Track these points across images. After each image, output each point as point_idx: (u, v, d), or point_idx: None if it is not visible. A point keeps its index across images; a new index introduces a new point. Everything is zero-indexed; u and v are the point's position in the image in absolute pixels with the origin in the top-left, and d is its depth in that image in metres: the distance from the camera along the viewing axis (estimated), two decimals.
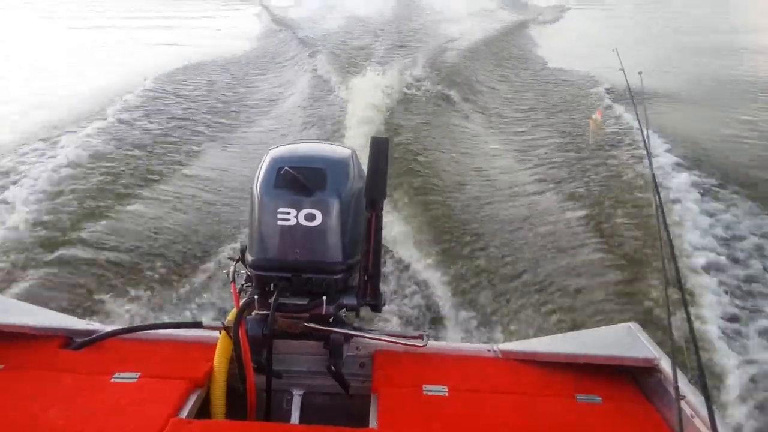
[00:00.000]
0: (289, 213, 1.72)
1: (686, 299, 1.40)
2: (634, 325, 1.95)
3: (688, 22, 19.30)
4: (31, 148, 7.26)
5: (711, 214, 5.64)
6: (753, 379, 3.51)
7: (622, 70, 3.00)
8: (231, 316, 1.73)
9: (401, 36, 16.28)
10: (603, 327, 2.73)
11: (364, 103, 8.60)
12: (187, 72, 12.07)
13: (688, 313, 1.33)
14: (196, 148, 7.70)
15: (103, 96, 9.68)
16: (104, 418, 1.48)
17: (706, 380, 1.25)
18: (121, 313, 4.09)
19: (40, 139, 7.56)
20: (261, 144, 7.79)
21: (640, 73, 2.89)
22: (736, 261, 4.90)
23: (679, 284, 1.43)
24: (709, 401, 1.21)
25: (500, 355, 1.86)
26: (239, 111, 9.81)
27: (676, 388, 1.22)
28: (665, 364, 1.69)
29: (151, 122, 8.63)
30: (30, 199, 5.61)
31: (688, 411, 1.49)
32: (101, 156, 6.98)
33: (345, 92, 9.68)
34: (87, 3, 20.59)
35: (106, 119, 8.39)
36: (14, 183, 6.14)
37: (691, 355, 1.29)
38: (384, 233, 1.77)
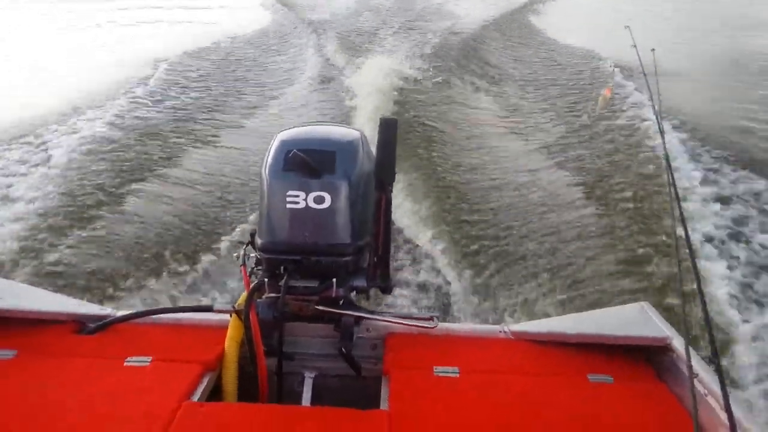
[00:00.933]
0: (298, 196, 1.72)
1: (699, 278, 1.39)
2: (646, 305, 1.94)
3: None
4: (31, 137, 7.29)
5: (720, 196, 5.60)
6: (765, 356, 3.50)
7: (635, 46, 2.96)
8: (241, 299, 1.73)
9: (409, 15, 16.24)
10: (615, 307, 2.72)
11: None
12: (195, 55, 12.05)
13: (701, 293, 1.31)
14: (208, 131, 7.72)
15: (111, 81, 9.70)
16: (117, 402, 1.49)
17: (719, 359, 1.24)
18: (133, 297, 4.12)
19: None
20: (273, 125, 7.84)
21: (653, 50, 2.84)
22: (744, 241, 4.87)
23: (693, 264, 1.41)
24: (722, 379, 1.20)
25: (511, 336, 1.86)
26: (249, 94, 9.82)
27: (690, 367, 1.21)
28: (678, 344, 1.68)
29: (163, 105, 8.68)
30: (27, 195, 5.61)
31: (701, 389, 1.48)
32: (108, 140, 7.01)
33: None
34: None
35: (107, 106, 8.43)
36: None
37: (704, 334, 1.28)
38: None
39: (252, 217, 5.18)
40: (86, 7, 18.07)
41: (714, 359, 1.27)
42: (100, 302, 3.41)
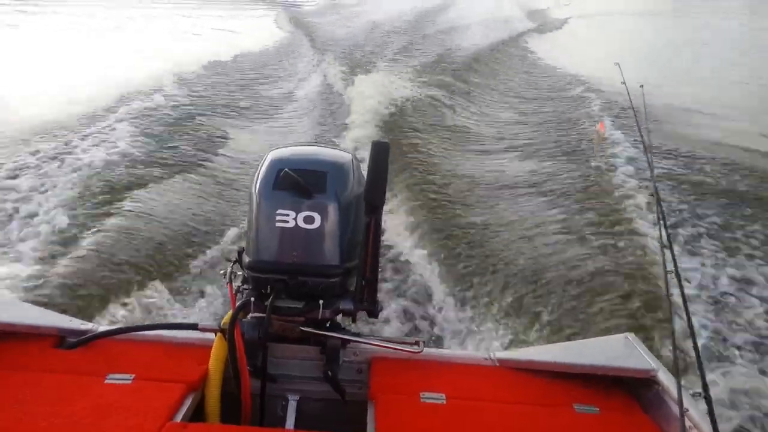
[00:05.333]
0: (287, 215, 1.70)
1: (689, 312, 1.39)
2: (631, 336, 1.94)
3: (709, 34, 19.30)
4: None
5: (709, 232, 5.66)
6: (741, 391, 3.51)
7: (624, 83, 2.99)
8: (227, 318, 1.71)
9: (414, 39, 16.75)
10: (600, 337, 2.71)
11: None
12: (207, 69, 12.48)
13: (691, 327, 1.31)
14: (200, 146, 7.81)
15: (119, 93, 9.91)
16: (98, 421, 1.45)
17: (710, 394, 1.24)
18: (115, 312, 4.06)
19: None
20: (268, 141, 8.02)
21: (641, 86, 2.88)
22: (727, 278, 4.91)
23: (683, 297, 1.41)
24: (713, 416, 1.19)
25: (497, 364, 1.85)
26: (252, 108, 10.03)
27: (680, 401, 1.21)
28: (663, 376, 1.68)
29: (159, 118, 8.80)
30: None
31: (687, 423, 1.47)
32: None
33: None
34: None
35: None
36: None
37: (689, 367, 1.28)
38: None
39: (232, 234, 5.21)
40: (112, 13, 18.43)
41: (705, 393, 1.26)
42: (81, 317, 3.36)
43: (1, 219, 5.42)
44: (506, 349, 3.69)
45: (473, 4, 24.30)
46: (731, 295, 4.61)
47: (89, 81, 10.73)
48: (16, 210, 5.56)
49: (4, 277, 4.38)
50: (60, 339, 1.81)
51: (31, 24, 17.29)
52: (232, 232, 5.27)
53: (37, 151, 7.07)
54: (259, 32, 17.99)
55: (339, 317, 1.82)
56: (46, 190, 5.95)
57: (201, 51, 14.27)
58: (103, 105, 9.27)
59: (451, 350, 3.33)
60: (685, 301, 1.42)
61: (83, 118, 8.59)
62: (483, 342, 4.02)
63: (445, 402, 1.61)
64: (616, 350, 1.91)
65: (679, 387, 1.25)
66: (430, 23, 20.48)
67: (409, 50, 15.63)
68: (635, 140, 7.72)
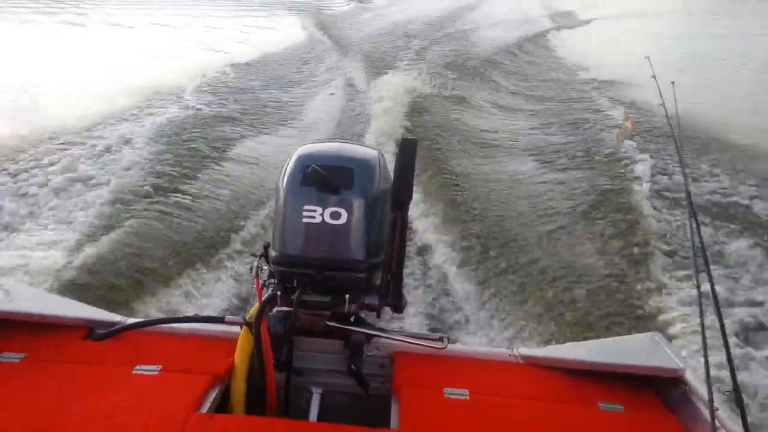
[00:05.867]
0: (314, 210, 1.71)
1: (720, 311, 1.36)
2: (657, 335, 1.91)
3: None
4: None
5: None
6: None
7: (654, 77, 2.95)
8: (253, 311, 1.72)
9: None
10: (625, 336, 2.68)
11: None
12: (237, 69, 12.68)
13: (722, 325, 1.29)
14: (228, 143, 7.92)
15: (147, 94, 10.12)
16: (126, 411, 1.47)
17: (741, 392, 1.21)
18: (143, 305, 4.13)
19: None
20: (296, 137, 8.22)
21: (672, 82, 2.83)
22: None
23: (714, 295, 1.38)
24: (744, 416, 1.17)
25: (521, 361, 1.84)
26: (276, 107, 10.20)
27: (711, 401, 1.19)
28: (690, 376, 1.65)
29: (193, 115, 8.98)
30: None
31: (716, 423, 1.45)
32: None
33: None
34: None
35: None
36: None
37: (710, 367, 1.26)
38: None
39: (258, 229, 5.25)
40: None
41: (735, 393, 1.23)
42: (110, 309, 3.41)
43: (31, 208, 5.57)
44: (529, 346, 3.67)
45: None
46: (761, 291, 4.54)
47: (121, 81, 10.92)
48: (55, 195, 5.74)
49: (38, 264, 4.47)
50: (89, 330, 1.84)
51: (79, 27, 17.97)
52: (258, 227, 5.32)
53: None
54: (287, 35, 18.32)
55: (363, 312, 1.83)
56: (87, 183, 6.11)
57: (231, 53, 14.54)
58: (129, 106, 9.46)
59: (475, 346, 3.33)
60: (716, 300, 1.40)
61: (112, 119, 8.77)
62: (504, 333, 4.01)
63: (468, 398, 1.61)
64: (641, 349, 1.89)
65: (709, 386, 1.23)
66: (457, 22, 20.51)
67: (440, 43, 15.80)
68: (665, 138, 7.63)
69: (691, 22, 22.72)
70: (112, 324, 1.86)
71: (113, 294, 4.18)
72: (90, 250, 4.71)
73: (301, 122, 9.45)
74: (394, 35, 17.77)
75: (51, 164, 6.71)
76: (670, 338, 3.61)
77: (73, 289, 4.14)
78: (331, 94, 11.10)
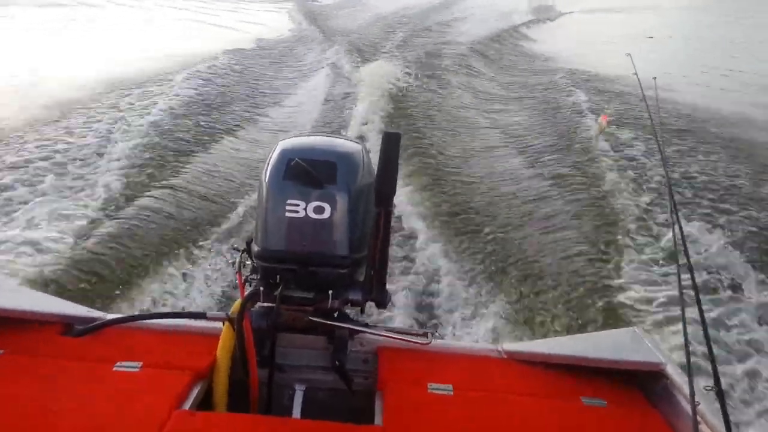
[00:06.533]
0: (297, 205, 1.69)
1: (701, 305, 1.37)
2: (638, 329, 1.94)
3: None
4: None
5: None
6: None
7: (636, 74, 2.97)
8: (235, 307, 1.71)
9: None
10: (607, 330, 2.70)
11: None
12: (220, 60, 12.52)
13: (703, 319, 1.30)
14: (209, 135, 7.85)
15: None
16: (107, 408, 1.46)
17: (722, 386, 1.22)
18: (121, 301, 4.08)
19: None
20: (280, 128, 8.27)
21: (654, 78, 2.84)
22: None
23: (695, 289, 1.39)
24: (725, 410, 1.18)
25: (505, 356, 1.84)
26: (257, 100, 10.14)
27: (692, 395, 1.19)
28: (671, 370, 1.67)
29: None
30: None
31: (698, 417, 1.46)
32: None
33: None
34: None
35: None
36: None
37: (698, 361, 1.26)
38: None
39: (240, 223, 5.24)
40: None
41: (716, 386, 1.24)
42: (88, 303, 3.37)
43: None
44: (513, 341, 3.69)
45: None
46: (741, 287, 4.60)
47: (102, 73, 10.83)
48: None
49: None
50: (67, 326, 1.81)
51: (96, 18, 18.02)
52: (240, 222, 5.28)
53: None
54: (274, 24, 18.39)
55: (347, 307, 1.82)
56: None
57: (218, 43, 14.46)
58: (113, 97, 9.35)
59: (459, 342, 3.34)
60: (697, 294, 1.41)
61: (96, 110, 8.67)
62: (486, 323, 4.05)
63: (452, 393, 1.61)
64: (623, 344, 1.91)
65: (691, 380, 1.24)
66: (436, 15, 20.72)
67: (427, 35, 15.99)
68: (645, 135, 7.71)
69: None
70: (92, 320, 1.83)
71: (89, 291, 4.13)
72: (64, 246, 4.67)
73: (285, 110, 9.54)
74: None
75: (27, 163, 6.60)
76: (650, 333, 3.65)
77: (49, 283, 4.09)
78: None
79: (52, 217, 5.15)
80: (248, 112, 9.21)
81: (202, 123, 8.25)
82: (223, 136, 7.83)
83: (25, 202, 5.46)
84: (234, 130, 8.13)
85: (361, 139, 6.97)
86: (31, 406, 1.44)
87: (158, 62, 11.62)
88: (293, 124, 8.73)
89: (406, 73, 11.26)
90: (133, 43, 14.03)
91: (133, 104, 8.89)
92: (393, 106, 9.18)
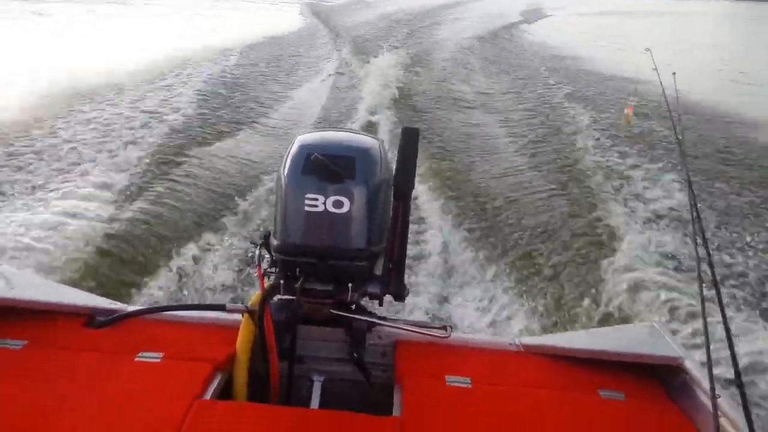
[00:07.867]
0: (316, 199, 1.70)
1: (721, 299, 1.36)
2: (657, 324, 1.93)
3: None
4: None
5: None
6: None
7: (656, 69, 2.94)
8: (254, 299, 1.72)
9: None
10: (626, 324, 2.68)
11: None
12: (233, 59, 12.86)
13: (723, 314, 1.29)
14: (225, 130, 7.94)
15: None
16: (129, 398, 1.48)
17: (742, 380, 1.22)
18: (140, 294, 4.13)
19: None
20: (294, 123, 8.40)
21: (674, 73, 2.82)
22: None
23: (715, 284, 1.38)
24: (746, 403, 1.17)
25: (522, 349, 1.84)
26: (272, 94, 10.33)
27: (713, 389, 1.19)
28: (690, 364, 1.66)
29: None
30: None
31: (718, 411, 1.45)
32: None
33: None
34: None
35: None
36: None
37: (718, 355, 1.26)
38: None
39: (259, 217, 5.27)
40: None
41: (736, 380, 1.23)
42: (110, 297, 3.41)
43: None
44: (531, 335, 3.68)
45: None
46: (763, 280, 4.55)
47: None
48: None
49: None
50: (89, 318, 1.83)
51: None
52: (258, 215, 5.31)
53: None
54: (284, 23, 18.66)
55: (365, 300, 1.83)
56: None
57: (230, 41, 14.68)
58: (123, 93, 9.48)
59: (477, 335, 3.34)
60: (717, 288, 1.40)
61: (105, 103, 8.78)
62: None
63: (470, 386, 1.61)
64: (642, 338, 1.90)
65: (711, 373, 1.23)
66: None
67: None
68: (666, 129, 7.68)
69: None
70: (113, 312, 1.85)
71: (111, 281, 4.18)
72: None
73: (296, 105, 9.68)
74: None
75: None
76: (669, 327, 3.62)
77: (71, 274, 4.14)
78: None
79: (70, 208, 5.20)
80: (259, 106, 9.39)
81: (219, 115, 8.40)
82: (242, 126, 8.06)
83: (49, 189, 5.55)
84: (248, 122, 8.32)
85: (369, 129, 7.19)
86: (54, 396, 1.47)
87: (184, 53, 11.96)
88: (303, 116, 8.94)
89: (411, 65, 11.80)
90: (156, 40, 14.34)
91: (137, 99, 9.02)
92: (399, 94, 9.74)
